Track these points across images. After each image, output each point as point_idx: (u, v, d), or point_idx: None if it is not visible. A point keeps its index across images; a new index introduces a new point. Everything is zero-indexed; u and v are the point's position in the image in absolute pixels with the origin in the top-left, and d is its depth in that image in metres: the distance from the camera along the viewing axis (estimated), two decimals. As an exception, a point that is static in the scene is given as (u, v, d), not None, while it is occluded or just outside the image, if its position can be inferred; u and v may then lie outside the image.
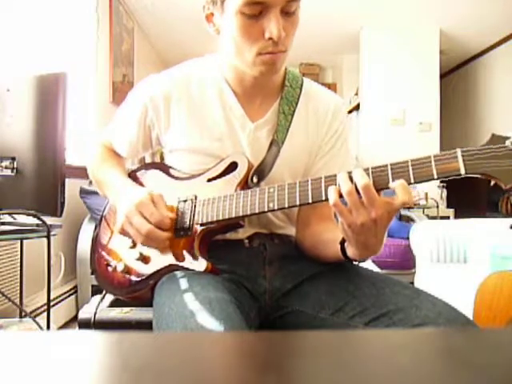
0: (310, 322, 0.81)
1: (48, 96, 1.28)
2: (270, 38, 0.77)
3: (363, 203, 0.66)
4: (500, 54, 4.66)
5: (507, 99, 4.53)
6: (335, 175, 0.71)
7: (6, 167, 1.29)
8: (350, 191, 0.66)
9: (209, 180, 0.88)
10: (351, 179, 0.67)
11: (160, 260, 0.84)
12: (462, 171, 0.63)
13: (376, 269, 1.80)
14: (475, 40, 4.61)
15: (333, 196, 0.67)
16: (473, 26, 4.23)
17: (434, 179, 0.65)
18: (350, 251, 0.74)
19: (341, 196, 0.68)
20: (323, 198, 0.72)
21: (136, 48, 4.05)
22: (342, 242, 0.76)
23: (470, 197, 3.91)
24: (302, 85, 0.95)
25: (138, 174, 1.01)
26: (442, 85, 4.47)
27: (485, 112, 4.98)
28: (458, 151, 0.63)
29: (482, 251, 1.89)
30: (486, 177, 0.62)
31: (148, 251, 0.86)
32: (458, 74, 5.55)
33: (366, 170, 0.69)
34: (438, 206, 3.79)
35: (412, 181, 0.66)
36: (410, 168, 0.66)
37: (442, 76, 4.76)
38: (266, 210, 0.77)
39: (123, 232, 0.85)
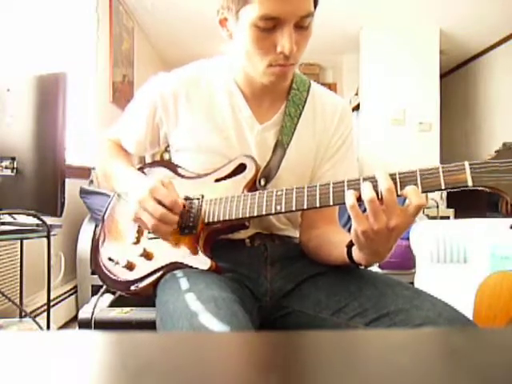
0: (311, 322, 0.81)
1: (48, 96, 1.28)
2: (282, 52, 0.78)
3: (383, 210, 0.65)
4: (500, 54, 4.66)
5: (507, 99, 4.54)
6: (343, 181, 0.71)
7: (6, 167, 1.29)
8: (373, 198, 0.64)
9: (216, 180, 0.88)
10: (374, 187, 0.66)
11: (163, 257, 0.84)
12: (470, 183, 0.63)
13: (376, 269, 1.80)
14: (475, 40, 4.61)
15: (351, 199, 0.66)
16: (473, 26, 4.23)
17: (441, 189, 0.65)
18: (358, 256, 0.74)
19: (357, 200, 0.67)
20: (331, 204, 0.72)
21: (136, 48, 4.05)
22: (349, 246, 0.76)
23: (470, 197, 3.90)
24: (309, 88, 0.95)
25: (144, 171, 1.01)
26: (442, 85, 4.47)
27: (485, 112, 4.98)
28: (466, 164, 0.64)
29: (482, 251, 1.89)
30: (493, 190, 0.63)
31: (151, 248, 0.86)
32: (457, 74, 5.55)
33: (373, 177, 0.68)
34: (437, 206, 3.79)
35: (419, 190, 0.66)
36: (419, 177, 0.66)
37: (442, 76, 4.76)
38: (273, 212, 0.77)
39: (136, 220, 0.84)
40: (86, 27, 2.98)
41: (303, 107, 0.93)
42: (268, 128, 0.91)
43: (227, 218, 0.81)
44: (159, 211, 0.79)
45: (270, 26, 0.76)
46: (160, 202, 0.80)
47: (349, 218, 0.69)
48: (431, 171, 0.66)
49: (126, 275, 0.87)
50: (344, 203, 0.71)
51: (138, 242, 0.89)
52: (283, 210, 0.76)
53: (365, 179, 0.69)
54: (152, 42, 4.70)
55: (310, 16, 0.79)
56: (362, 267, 0.78)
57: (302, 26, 0.79)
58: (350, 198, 0.66)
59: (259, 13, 0.75)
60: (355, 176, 0.72)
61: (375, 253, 0.71)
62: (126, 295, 0.90)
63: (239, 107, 0.91)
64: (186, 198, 0.88)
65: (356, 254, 0.74)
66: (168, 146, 1.00)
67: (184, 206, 0.84)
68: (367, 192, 0.65)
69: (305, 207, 0.74)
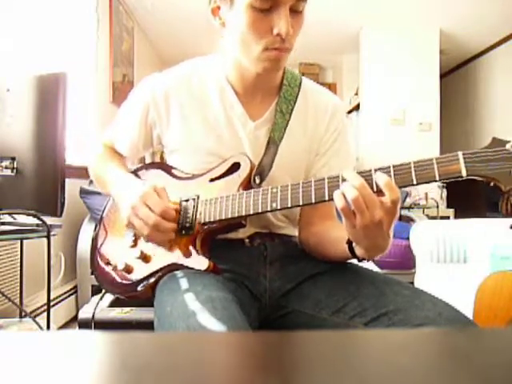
0: (310, 322, 0.81)
1: (48, 96, 1.28)
2: (278, 34, 0.78)
3: (367, 207, 0.66)
4: (500, 54, 4.66)
5: (507, 99, 4.53)
6: (338, 176, 0.71)
7: (6, 167, 1.29)
8: (356, 198, 0.65)
9: (211, 180, 0.88)
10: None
11: (161, 259, 0.84)
12: (464, 173, 0.63)
13: (376, 269, 1.80)
14: (475, 40, 4.61)
15: (341, 201, 0.67)
16: (473, 26, 4.23)
17: (435, 181, 0.66)
18: (359, 251, 0.75)
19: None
20: (326, 199, 0.72)
21: (136, 48, 4.05)
22: (350, 242, 0.76)
23: (470, 197, 3.90)
24: (300, 84, 0.95)
25: (139, 173, 1.00)
26: (442, 85, 4.47)
27: (485, 112, 4.98)
28: (460, 154, 0.64)
29: (482, 251, 1.89)
30: (486, 179, 0.63)
31: (149, 250, 0.86)
32: (457, 74, 5.55)
33: (369, 171, 0.69)
34: (437, 206, 3.79)
35: (414, 182, 0.66)
36: (413, 169, 0.66)
37: (442, 76, 4.76)
38: (268, 209, 0.77)
39: (129, 225, 0.84)
40: (85, 27, 2.98)
41: (295, 103, 0.92)
42: (260, 125, 0.91)
43: (223, 217, 0.81)
44: (152, 219, 0.79)
45: (266, 6, 0.77)
46: (151, 209, 0.80)
47: None
48: (425, 163, 0.66)
49: (124, 278, 0.87)
50: None
51: (135, 244, 0.89)
52: (279, 207, 0.76)
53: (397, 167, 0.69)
54: (152, 42, 4.70)
55: (305, 0, 0.79)
56: (366, 261, 0.78)
57: (296, 9, 0.79)
58: (339, 200, 0.67)
59: None
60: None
61: (374, 246, 0.71)
62: (124, 298, 0.90)
63: (231, 104, 0.91)
64: (182, 200, 0.88)
65: (357, 249, 0.75)
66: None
67: (177, 212, 0.83)
68: (350, 192, 0.66)
69: (300, 203, 0.74)
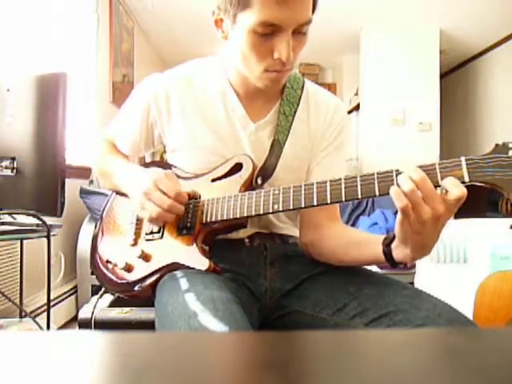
0: (311, 322, 0.81)
1: (48, 96, 1.28)
2: (279, 59, 0.78)
3: (424, 201, 0.62)
4: (500, 54, 4.66)
5: (507, 99, 4.53)
6: (340, 179, 0.71)
7: (6, 167, 1.29)
8: (413, 189, 0.62)
9: (213, 180, 0.88)
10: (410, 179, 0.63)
11: (161, 258, 0.84)
12: (466, 179, 0.63)
13: (376, 269, 1.80)
14: (475, 40, 4.61)
15: (402, 201, 0.62)
16: (473, 26, 4.23)
17: (438, 186, 0.64)
18: (401, 253, 0.70)
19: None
20: (328, 202, 0.71)
21: (136, 48, 4.05)
22: (387, 244, 0.72)
23: (470, 197, 3.89)
24: (303, 86, 0.95)
25: None
26: (441, 85, 4.46)
27: (485, 112, 4.98)
28: (463, 159, 0.64)
29: (482, 251, 1.89)
30: (489, 185, 0.63)
31: (149, 249, 0.86)
32: (458, 73, 5.55)
33: (371, 175, 0.68)
34: (438, 206, 3.78)
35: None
36: None
37: (442, 76, 4.76)
38: (270, 211, 0.77)
39: (141, 211, 0.84)
40: (86, 27, 2.98)
41: (298, 105, 0.93)
42: (262, 127, 0.91)
43: (225, 217, 0.81)
44: (167, 202, 0.80)
45: (268, 31, 0.76)
46: (165, 193, 0.80)
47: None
48: (428, 167, 0.65)
49: (124, 277, 0.87)
50: (340, 201, 0.71)
51: (135, 243, 0.89)
52: (281, 209, 0.76)
53: (379, 174, 0.68)
54: (152, 42, 4.69)
55: (309, 23, 0.78)
56: (402, 265, 0.74)
57: (299, 32, 0.78)
58: (400, 199, 0.62)
59: (259, 19, 0.74)
60: (342, 174, 0.72)
61: (423, 246, 0.67)
62: (124, 297, 0.90)
63: (232, 106, 0.91)
64: None
65: (399, 251, 0.71)
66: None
67: (189, 197, 0.84)
68: (406, 184, 0.62)
69: (302, 205, 0.74)
